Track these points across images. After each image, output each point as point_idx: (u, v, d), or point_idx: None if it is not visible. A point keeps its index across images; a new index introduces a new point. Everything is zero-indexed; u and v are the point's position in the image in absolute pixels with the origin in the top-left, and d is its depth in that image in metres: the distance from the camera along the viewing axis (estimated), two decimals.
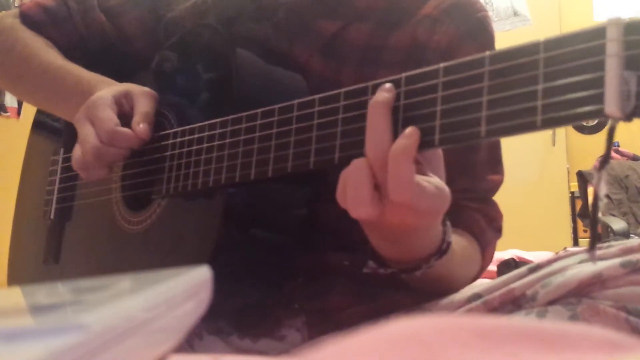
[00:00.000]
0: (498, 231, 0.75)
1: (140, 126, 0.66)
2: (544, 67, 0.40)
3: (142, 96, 0.69)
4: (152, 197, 0.71)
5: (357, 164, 0.48)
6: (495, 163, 0.75)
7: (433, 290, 0.65)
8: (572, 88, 0.39)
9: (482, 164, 0.74)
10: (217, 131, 0.62)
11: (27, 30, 0.85)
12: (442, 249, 0.57)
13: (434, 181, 0.49)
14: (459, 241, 0.66)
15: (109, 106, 0.66)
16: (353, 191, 0.48)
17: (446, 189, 0.50)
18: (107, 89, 0.69)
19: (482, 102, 0.43)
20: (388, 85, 0.48)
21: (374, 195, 0.48)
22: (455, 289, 0.66)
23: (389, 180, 0.46)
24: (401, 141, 0.46)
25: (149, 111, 0.68)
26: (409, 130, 0.46)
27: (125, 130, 0.66)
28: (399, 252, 0.56)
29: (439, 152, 0.52)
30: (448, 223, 0.57)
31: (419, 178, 0.48)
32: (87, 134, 0.66)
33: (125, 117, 0.68)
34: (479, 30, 0.74)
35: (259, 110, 0.58)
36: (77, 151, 0.68)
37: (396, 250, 0.56)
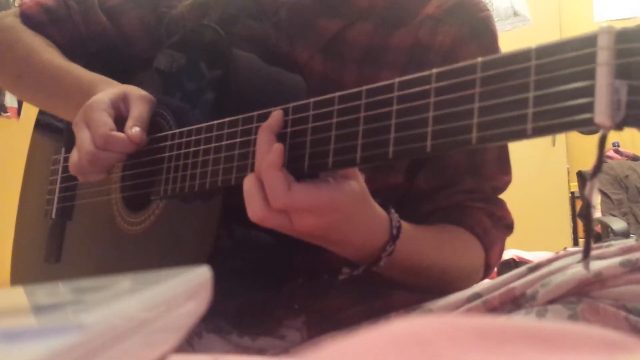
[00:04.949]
0: (508, 228, 0.76)
1: (133, 130, 0.66)
2: (535, 75, 0.40)
3: (138, 100, 0.69)
4: (151, 198, 0.71)
5: (247, 180, 0.55)
6: (503, 163, 0.76)
7: (426, 282, 0.66)
8: (563, 96, 0.38)
9: (490, 164, 0.74)
10: (215, 133, 0.62)
11: (27, 29, 0.85)
12: (394, 235, 0.59)
13: (318, 182, 0.53)
14: (438, 229, 0.69)
15: (105, 110, 0.66)
16: (247, 201, 0.54)
17: (335, 186, 0.53)
18: (105, 92, 0.69)
19: (474, 109, 0.42)
20: (276, 112, 0.55)
21: (267, 202, 0.53)
22: (451, 279, 0.67)
23: (267, 189, 0.53)
24: (268, 156, 0.53)
25: (143, 115, 0.68)
26: (275, 146, 0.53)
27: (119, 134, 0.66)
28: (352, 250, 0.60)
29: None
30: (392, 210, 0.60)
31: (300, 183, 0.53)
32: (83, 139, 0.66)
33: (122, 121, 0.68)
34: (482, 30, 0.73)
35: (255, 113, 0.58)
36: (74, 155, 0.68)
37: (348, 250, 0.60)
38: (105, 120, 0.65)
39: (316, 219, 0.53)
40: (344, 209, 0.54)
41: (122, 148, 0.66)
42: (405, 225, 0.61)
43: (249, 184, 0.55)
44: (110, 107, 0.67)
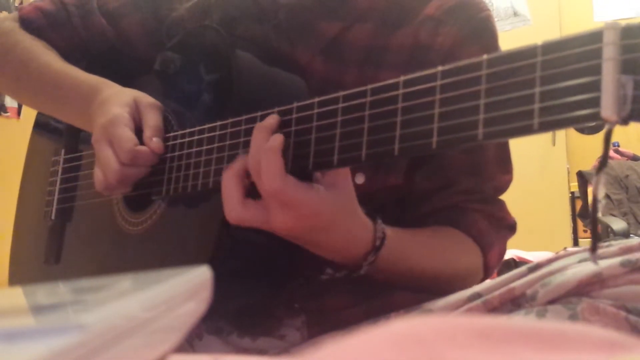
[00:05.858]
0: (510, 229, 0.76)
1: (154, 140, 0.67)
2: (541, 71, 0.40)
3: (150, 108, 0.69)
4: (152, 197, 0.71)
5: (225, 175, 0.56)
6: (504, 162, 0.76)
7: (419, 285, 0.67)
8: (569, 91, 0.39)
9: (491, 164, 0.74)
10: (217, 133, 0.63)
11: (26, 34, 0.85)
12: (377, 246, 0.60)
13: (310, 184, 0.54)
14: (430, 234, 0.69)
15: (127, 125, 0.66)
16: (226, 195, 0.55)
17: (322, 194, 0.54)
18: (119, 105, 0.68)
19: (480, 105, 0.43)
20: (271, 116, 0.56)
21: (247, 199, 0.55)
22: (445, 283, 0.67)
23: (263, 172, 0.53)
24: (268, 142, 0.54)
25: (159, 124, 0.68)
26: (275, 135, 0.54)
27: (144, 148, 0.66)
28: (330, 253, 0.60)
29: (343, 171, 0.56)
30: (379, 220, 0.61)
31: (293, 177, 0.54)
32: (107, 157, 0.66)
33: (137, 131, 0.68)
34: (483, 30, 0.73)
35: (258, 114, 0.58)
36: (98, 174, 0.68)
37: (326, 253, 0.60)
38: (130, 136, 0.65)
39: (295, 220, 0.54)
40: (324, 217, 0.55)
41: (148, 161, 0.67)
42: (392, 234, 0.61)
43: (228, 178, 0.56)
44: (130, 121, 0.67)
